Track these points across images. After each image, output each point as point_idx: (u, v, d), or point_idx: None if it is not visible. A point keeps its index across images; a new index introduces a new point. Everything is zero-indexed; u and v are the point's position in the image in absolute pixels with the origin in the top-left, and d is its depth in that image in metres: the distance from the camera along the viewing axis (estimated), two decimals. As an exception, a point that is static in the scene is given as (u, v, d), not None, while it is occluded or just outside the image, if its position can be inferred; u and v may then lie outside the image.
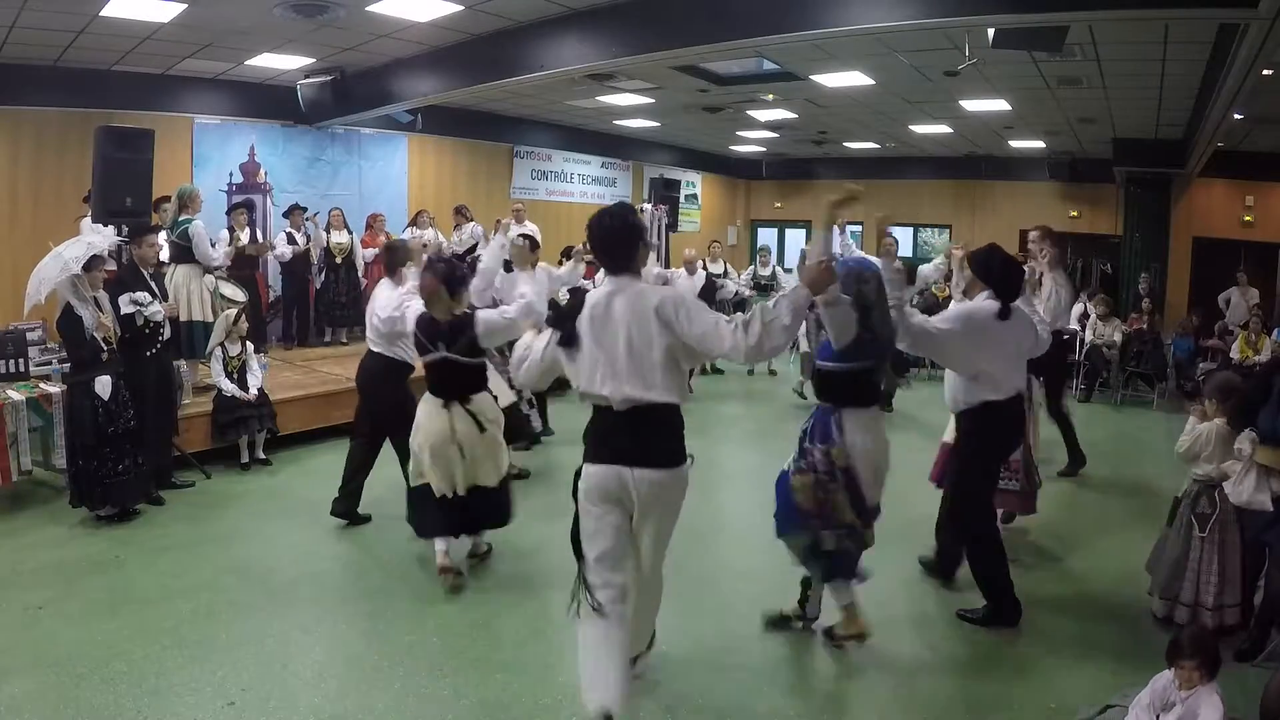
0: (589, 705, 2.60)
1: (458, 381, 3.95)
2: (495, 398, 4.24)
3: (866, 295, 3.18)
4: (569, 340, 2.72)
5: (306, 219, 8.29)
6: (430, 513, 3.98)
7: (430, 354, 3.90)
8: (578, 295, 2.86)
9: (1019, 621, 3.65)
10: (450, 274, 3.91)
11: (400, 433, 4.38)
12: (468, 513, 3.98)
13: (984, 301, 3.65)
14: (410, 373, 4.65)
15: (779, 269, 10.12)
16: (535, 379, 2.97)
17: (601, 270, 2.89)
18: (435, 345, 3.87)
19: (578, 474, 2.78)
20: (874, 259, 3.80)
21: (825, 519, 3.21)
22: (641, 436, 2.65)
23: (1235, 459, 3.50)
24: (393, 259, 4.64)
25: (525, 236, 5.92)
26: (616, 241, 2.74)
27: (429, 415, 3.95)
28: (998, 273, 3.66)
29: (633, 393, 2.61)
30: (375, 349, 4.59)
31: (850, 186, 3.23)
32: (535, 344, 2.92)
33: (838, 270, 2.99)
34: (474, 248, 8.61)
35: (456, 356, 3.86)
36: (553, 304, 2.83)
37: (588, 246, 3.13)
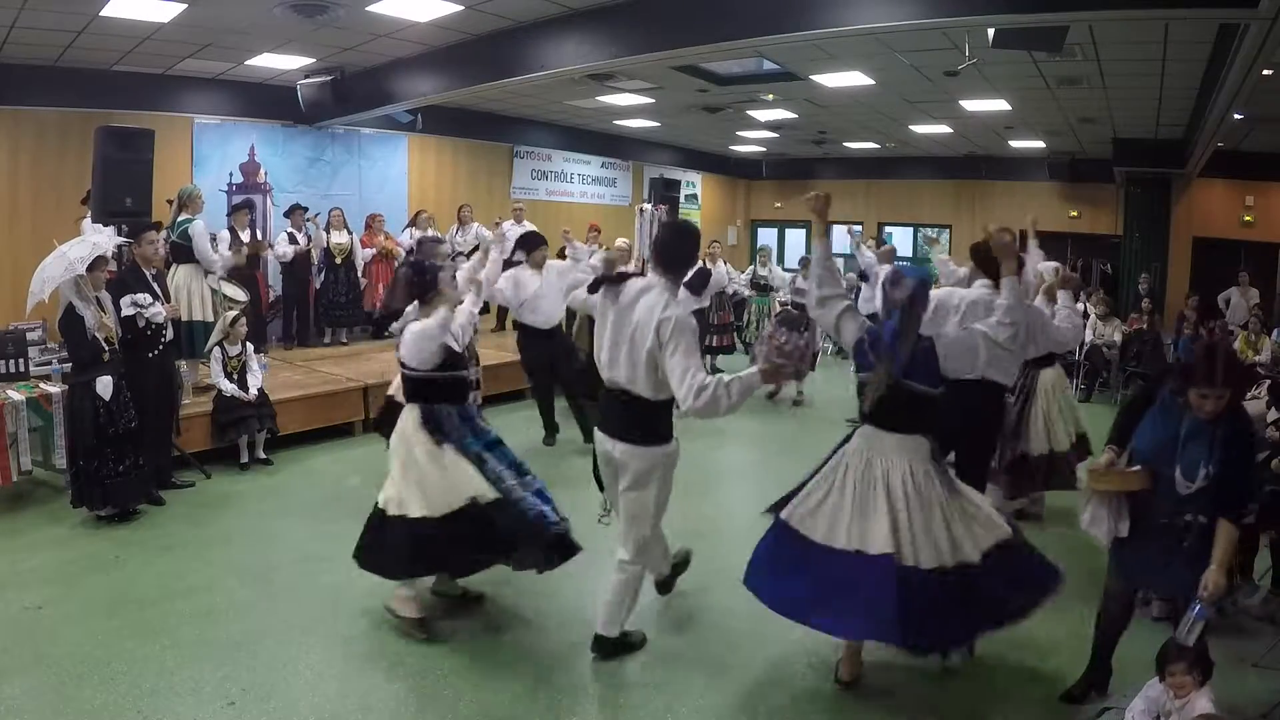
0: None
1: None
2: None
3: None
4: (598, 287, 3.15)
5: (307, 219, 8.29)
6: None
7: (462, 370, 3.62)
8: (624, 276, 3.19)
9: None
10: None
11: None
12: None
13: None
14: None
15: (778, 269, 10.02)
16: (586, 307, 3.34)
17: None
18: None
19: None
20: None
21: None
22: (624, 417, 3.08)
23: None
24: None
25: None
26: (666, 246, 3.17)
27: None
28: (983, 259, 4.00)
29: (621, 379, 3.05)
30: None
31: (816, 192, 3.21)
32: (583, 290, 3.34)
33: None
34: (476, 248, 8.61)
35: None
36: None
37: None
